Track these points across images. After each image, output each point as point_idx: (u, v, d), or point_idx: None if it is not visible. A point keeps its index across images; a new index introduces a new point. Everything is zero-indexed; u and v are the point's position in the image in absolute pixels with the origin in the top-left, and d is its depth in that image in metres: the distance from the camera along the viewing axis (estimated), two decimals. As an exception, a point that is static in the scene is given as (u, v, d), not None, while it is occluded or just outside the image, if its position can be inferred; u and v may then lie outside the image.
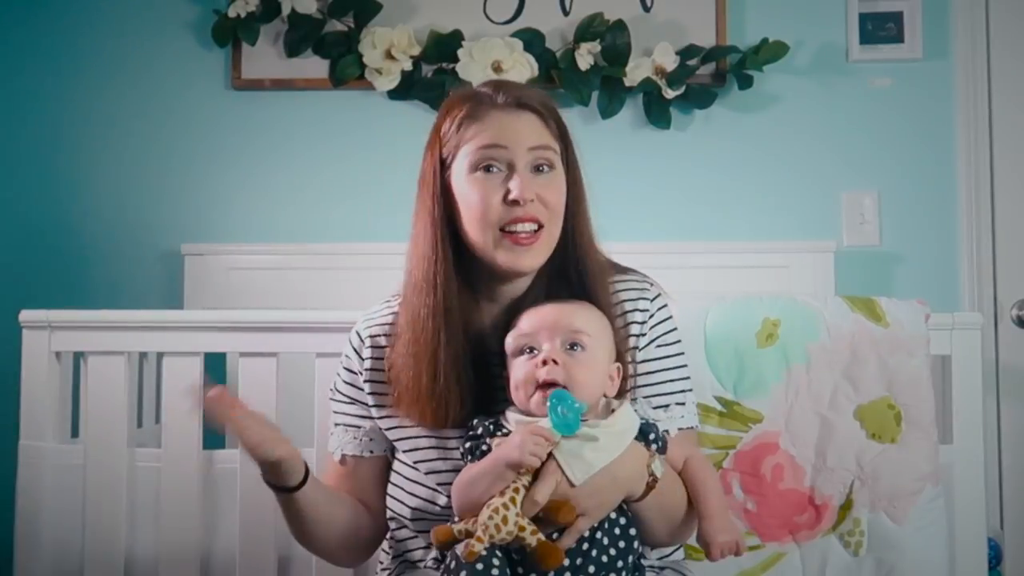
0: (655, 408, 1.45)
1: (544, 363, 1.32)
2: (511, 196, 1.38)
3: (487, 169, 1.40)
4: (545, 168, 1.42)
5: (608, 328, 1.39)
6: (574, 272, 1.44)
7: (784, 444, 1.82)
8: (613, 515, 1.33)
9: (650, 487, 1.33)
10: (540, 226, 1.40)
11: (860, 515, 1.81)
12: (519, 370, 1.34)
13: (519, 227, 1.39)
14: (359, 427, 1.52)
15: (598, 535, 1.31)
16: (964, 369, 1.93)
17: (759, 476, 1.81)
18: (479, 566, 1.23)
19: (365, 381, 1.51)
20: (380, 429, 1.51)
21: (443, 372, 1.39)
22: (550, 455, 1.28)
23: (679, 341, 1.50)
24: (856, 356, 1.84)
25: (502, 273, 1.43)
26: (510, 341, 1.37)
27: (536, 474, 1.27)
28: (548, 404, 1.28)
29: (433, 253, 1.42)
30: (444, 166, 1.43)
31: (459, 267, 1.43)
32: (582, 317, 1.36)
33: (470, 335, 1.43)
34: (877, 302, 1.89)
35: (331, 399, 1.56)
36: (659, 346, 1.47)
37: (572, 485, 1.27)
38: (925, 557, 1.81)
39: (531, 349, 1.35)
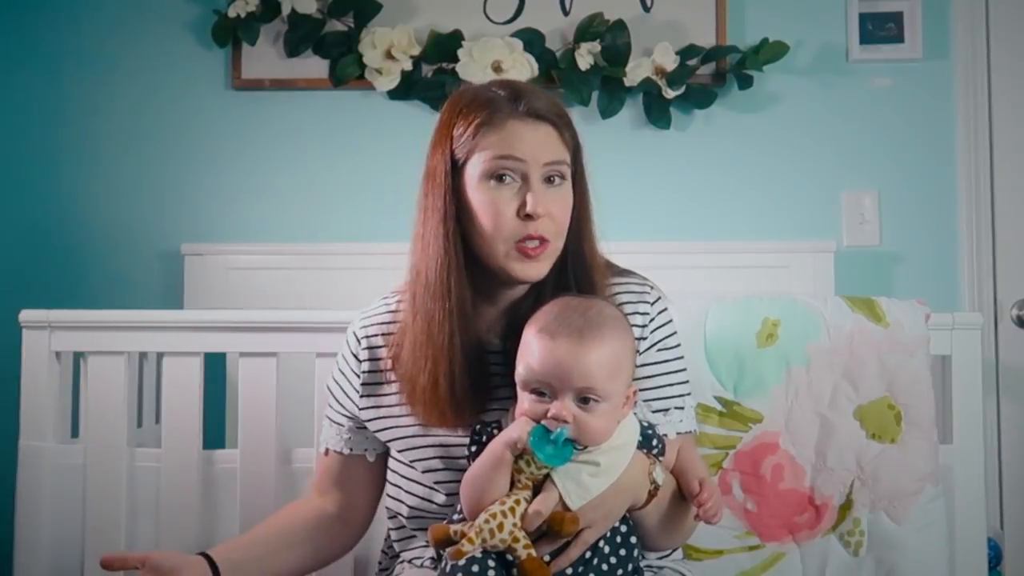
0: (654, 412, 1.45)
1: (554, 418, 1.27)
2: (527, 210, 1.37)
3: (500, 179, 1.39)
4: (557, 180, 1.41)
5: (628, 350, 1.35)
6: (573, 278, 1.44)
7: (784, 444, 1.82)
8: (615, 523, 1.32)
9: (652, 495, 1.33)
10: (545, 240, 1.39)
11: (860, 515, 1.81)
12: (524, 405, 1.30)
13: (528, 242, 1.38)
14: (342, 425, 1.55)
15: (600, 543, 1.31)
16: (964, 369, 1.93)
17: (759, 476, 1.81)
18: (475, 568, 1.23)
19: (361, 384, 1.51)
20: (365, 430, 1.53)
21: (459, 375, 1.39)
22: (548, 476, 1.28)
23: (679, 345, 1.50)
24: (856, 356, 1.84)
25: (508, 280, 1.42)
26: (521, 371, 1.31)
27: (537, 491, 1.27)
28: (530, 443, 1.25)
29: (446, 255, 1.40)
30: (456, 167, 1.41)
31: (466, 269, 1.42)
32: (597, 366, 1.28)
33: (470, 337, 1.42)
34: (877, 302, 1.89)
35: (328, 398, 1.58)
36: (659, 350, 1.47)
37: (567, 510, 1.27)
38: (925, 557, 1.81)
39: (541, 392, 1.29)
